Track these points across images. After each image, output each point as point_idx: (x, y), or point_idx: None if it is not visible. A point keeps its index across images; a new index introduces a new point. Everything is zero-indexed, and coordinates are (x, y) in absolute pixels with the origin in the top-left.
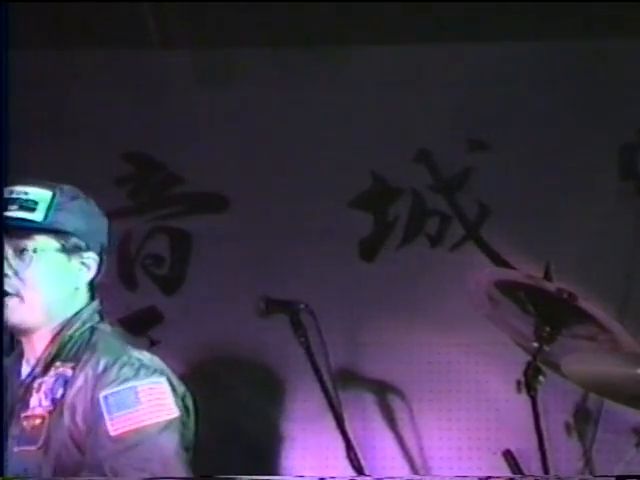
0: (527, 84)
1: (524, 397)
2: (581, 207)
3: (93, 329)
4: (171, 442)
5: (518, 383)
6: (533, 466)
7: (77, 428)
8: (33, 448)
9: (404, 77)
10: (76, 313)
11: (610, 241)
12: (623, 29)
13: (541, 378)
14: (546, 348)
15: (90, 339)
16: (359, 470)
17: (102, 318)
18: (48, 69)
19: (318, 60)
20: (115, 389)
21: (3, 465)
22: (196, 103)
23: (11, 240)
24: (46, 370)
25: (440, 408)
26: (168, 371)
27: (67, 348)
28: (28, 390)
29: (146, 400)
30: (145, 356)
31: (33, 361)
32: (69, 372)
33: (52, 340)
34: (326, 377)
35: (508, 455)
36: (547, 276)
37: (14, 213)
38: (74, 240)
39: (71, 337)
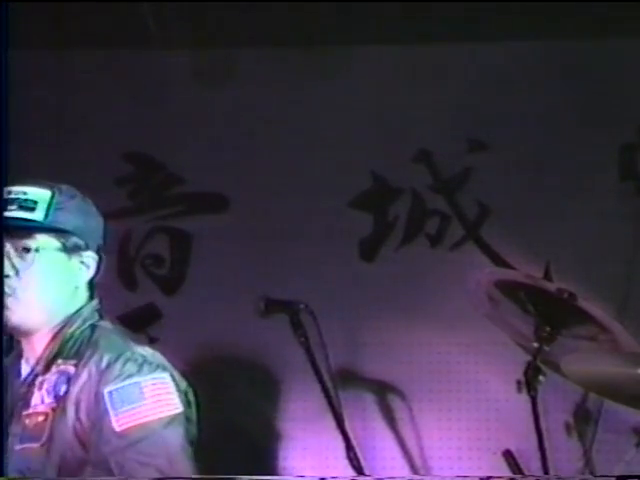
0: (527, 84)
1: (524, 397)
2: (581, 207)
3: (94, 327)
4: (176, 437)
5: (518, 383)
6: (533, 466)
7: (81, 424)
8: (36, 445)
9: (404, 77)
10: (76, 311)
11: (610, 241)
12: (623, 29)
13: (541, 378)
14: (546, 348)
15: (91, 337)
16: (359, 470)
17: (101, 317)
18: (48, 69)
19: (318, 60)
20: (119, 385)
21: (3, 464)
22: (196, 103)
23: (12, 240)
24: (47, 368)
25: (440, 408)
26: (170, 367)
27: (68, 346)
28: (29, 388)
29: (150, 395)
30: (148, 352)
31: (33, 360)
32: (71, 369)
33: (53, 338)
34: (326, 377)
35: (508, 455)
36: (547, 276)
37: (14, 213)
38: (74, 239)
39: (72, 335)
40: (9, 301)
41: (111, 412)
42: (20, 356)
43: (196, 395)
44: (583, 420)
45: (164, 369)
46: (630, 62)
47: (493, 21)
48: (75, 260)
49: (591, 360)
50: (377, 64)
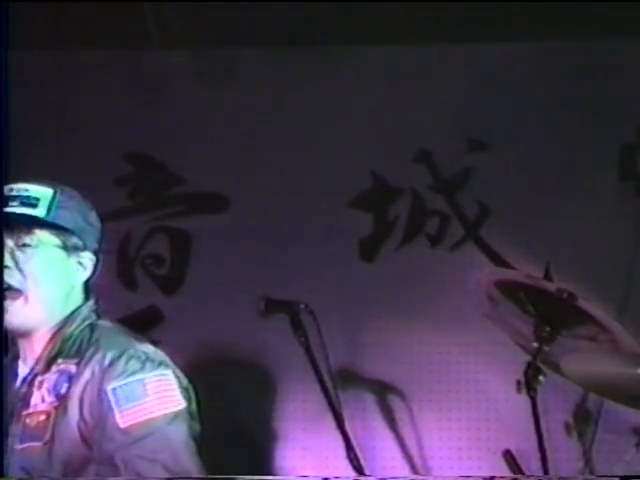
0: (527, 84)
1: (524, 397)
2: (581, 207)
3: (93, 326)
4: (180, 433)
5: (518, 383)
6: (533, 466)
7: (85, 422)
8: (39, 444)
9: (404, 77)
10: (74, 311)
11: (610, 241)
12: (623, 29)
13: (541, 378)
14: (546, 348)
15: (92, 335)
16: (359, 470)
17: (99, 317)
18: (48, 69)
19: (318, 60)
20: (123, 382)
21: (3, 465)
22: (196, 103)
23: (13, 235)
24: (47, 368)
25: (440, 408)
26: (171, 363)
27: (68, 345)
28: (29, 388)
29: (154, 392)
30: (150, 349)
31: (31, 360)
32: (73, 368)
33: (51, 338)
34: (326, 377)
35: (508, 455)
36: (547, 276)
37: (16, 209)
38: (73, 238)
39: (72, 334)
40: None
41: (115, 409)
42: (17, 357)
43: (196, 392)
44: (583, 420)
45: (166, 366)
46: (630, 62)
47: (493, 21)
48: (73, 260)
49: (591, 360)
50: (377, 64)
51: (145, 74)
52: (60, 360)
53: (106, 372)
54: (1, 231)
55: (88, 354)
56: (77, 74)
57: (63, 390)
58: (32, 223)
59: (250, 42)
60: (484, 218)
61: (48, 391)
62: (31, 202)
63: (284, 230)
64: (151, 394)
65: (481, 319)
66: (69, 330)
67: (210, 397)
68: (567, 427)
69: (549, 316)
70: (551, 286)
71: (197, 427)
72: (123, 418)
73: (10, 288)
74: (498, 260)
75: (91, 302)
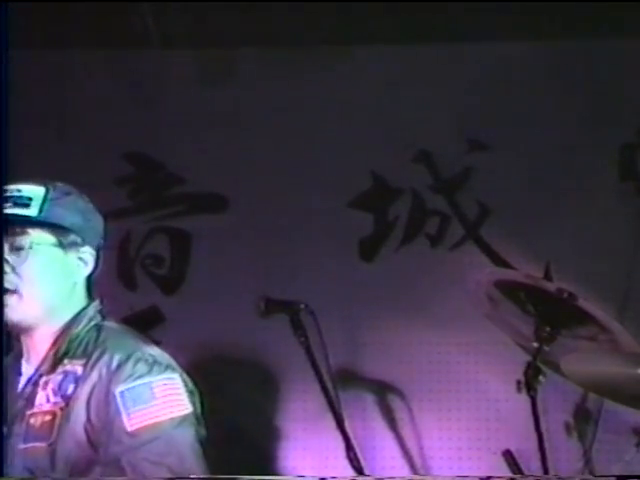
0: (527, 84)
1: (524, 397)
2: (581, 207)
3: (99, 327)
4: (186, 436)
5: (518, 383)
6: (533, 466)
7: (91, 424)
8: (43, 445)
9: (404, 77)
10: (81, 311)
11: (610, 241)
12: (623, 29)
13: (541, 378)
14: (546, 348)
15: (98, 337)
16: (359, 470)
17: (104, 317)
18: (48, 69)
19: (318, 60)
20: (131, 385)
21: (3, 465)
22: (196, 103)
23: (7, 237)
24: (53, 368)
25: (440, 408)
26: (178, 367)
27: (74, 346)
28: (33, 388)
29: (161, 396)
30: (157, 352)
31: (36, 359)
32: (79, 369)
33: (57, 338)
34: (326, 377)
35: (508, 455)
36: (547, 276)
37: (9, 210)
38: (70, 235)
39: (78, 335)
40: (8, 298)
41: (123, 412)
42: (20, 355)
43: (201, 395)
44: (583, 420)
45: (173, 370)
46: (630, 62)
47: (493, 21)
48: (72, 256)
49: (591, 360)
50: (377, 64)
51: (145, 74)
52: (66, 361)
53: (114, 375)
54: (1, 232)
55: (95, 356)
56: (77, 74)
57: (69, 391)
58: (25, 223)
59: (250, 42)
60: (484, 218)
61: (53, 391)
62: (24, 202)
63: (284, 230)
64: (158, 397)
65: (481, 319)
66: (75, 330)
67: (210, 397)
68: (567, 427)
69: (549, 316)
70: (551, 286)
71: (203, 431)
72: (130, 421)
73: (8, 290)
74: (498, 260)
75: (96, 302)
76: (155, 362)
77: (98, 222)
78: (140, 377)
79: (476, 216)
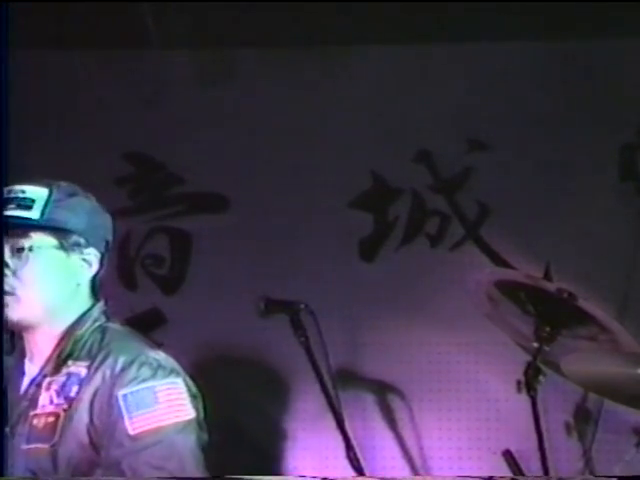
0: (527, 84)
1: (524, 397)
2: (581, 207)
3: (104, 328)
4: (188, 442)
5: (518, 383)
6: (533, 466)
7: (94, 426)
8: (46, 446)
9: (404, 77)
10: (86, 312)
11: (610, 241)
12: (623, 29)
13: (541, 378)
14: (546, 348)
15: (103, 339)
16: (359, 470)
17: (108, 318)
18: (48, 69)
19: (318, 60)
20: (134, 388)
21: (3, 465)
22: (196, 103)
23: (8, 239)
24: (57, 369)
25: (440, 408)
26: (182, 371)
27: (79, 347)
28: (37, 388)
29: (164, 400)
30: (161, 356)
31: (40, 360)
32: (83, 371)
33: (62, 339)
34: (326, 377)
35: (508, 455)
36: (547, 276)
37: (12, 212)
38: (72, 237)
39: (82, 336)
40: (8, 300)
41: (125, 415)
42: (23, 355)
43: (204, 400)
44: (583, 420)
45: (177, 374)
46: (630, 62)
47: (493, 21)
48: (75, 257)
49: (591, 360)
50: (377, 64)
51: (145, 74)
52: (70, 362)
53: (117, 378)
54: (1, 234)
55: (99, 358)
56: (77, 74)
57: (72, 393)
58: (27, 226)
59: (250, 42)
60: (484, 218)
61: (57, 393)
62: (27, 204)
63: (284, 230)
64: (162, 402)
65: (481, 319)
66: (80, 332)
67: (209, 397)
68: (567, 427)
69: (549, 316)
70: (551, 286)
71: (205, 437)
72: (132, 425)
73: (7, 292)
74: (498, 260)
75: (101, 303)
76: (159, 366)
77: (105, 222)
78: (144, 381)
79: (476, 216)
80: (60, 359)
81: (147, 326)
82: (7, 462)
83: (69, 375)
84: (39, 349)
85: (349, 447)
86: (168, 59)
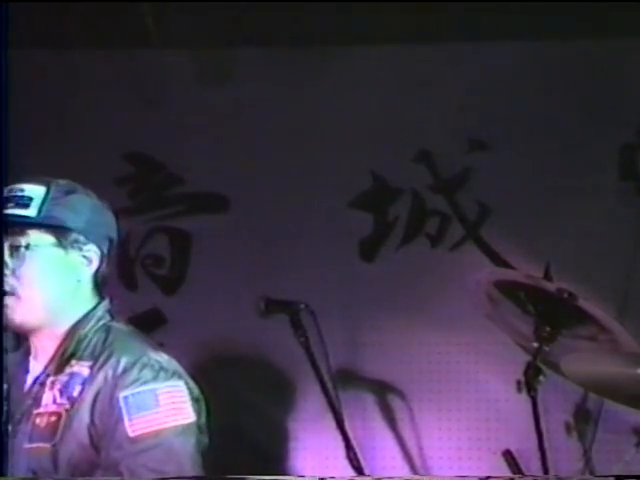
0: (527, 84)
1: (524, 397)
2: (581, 207)
3: (107, 328)
4: (188, 446)
5: (518, 383)
6: (533, 466)
7: (95, 427)
8: (47, 445)
9: (404, 77)
10: (90, 311)
11: (610, 241)
12: (623, 29)
13: (541, 378)
14: (546, 348)
15: (106, 338)
16: (359, 470)
17: (112, 317)
18: (48, 69)
19: (318, 60)
20: (135, 390)
21: (3, 465)
22: (196, 103)
23: (7, 238)
24: (60, 368)
25: (440, 408)
26: (184, 374)
27: (82, 346)
28: (41, 388)
29: (165, 403)
30: (163, 358)
31: (44, 358)
32: (86, 371)
33: (66, 338)
34: (326, 377)
35: (508, 455)
36: (547, 276)
37: (10, 210)
38: (71, 234)
39: (86, 335)
40: (9, 300)
41: (125, 417)
42: (28, 352)
43: (207, 403)
44: (583, 420)
45: (179, 377)
46: (630, 62)
47: (493, 21)
48: (75, 255)
49: (591, 360)
50: (377, 64)
51: (145, 74)
52: (73, 361)
53: (119, 379)
54: (1, 233)
55: (102, 358)
56: (77, 74)
57: (75, 393)
58: (24, 224)
59: (250, 42)
60: (484, 218)
61: (60, 392)
62: (25, 202)
63: (284, 230)
64: (162, 405)
65: (481, 319)
66: (83, 331)
67: (209, 397)
68: (567, 427)
69: (549, 316)
70: (551, 286)
71: (205, 440)
72: (132, 427)
73: (7, 292)
74: (498, 260)
75: (106, 302)
76: (161, 368)
77: (107, 219)
78: (145, 383)
79: (476, 216)
80: (63, 358)
81: (147, 326)
82: (8, 461)
83: (72, 375)
84: (43, 347)
85: (349, 447)
86: (168, 59)
